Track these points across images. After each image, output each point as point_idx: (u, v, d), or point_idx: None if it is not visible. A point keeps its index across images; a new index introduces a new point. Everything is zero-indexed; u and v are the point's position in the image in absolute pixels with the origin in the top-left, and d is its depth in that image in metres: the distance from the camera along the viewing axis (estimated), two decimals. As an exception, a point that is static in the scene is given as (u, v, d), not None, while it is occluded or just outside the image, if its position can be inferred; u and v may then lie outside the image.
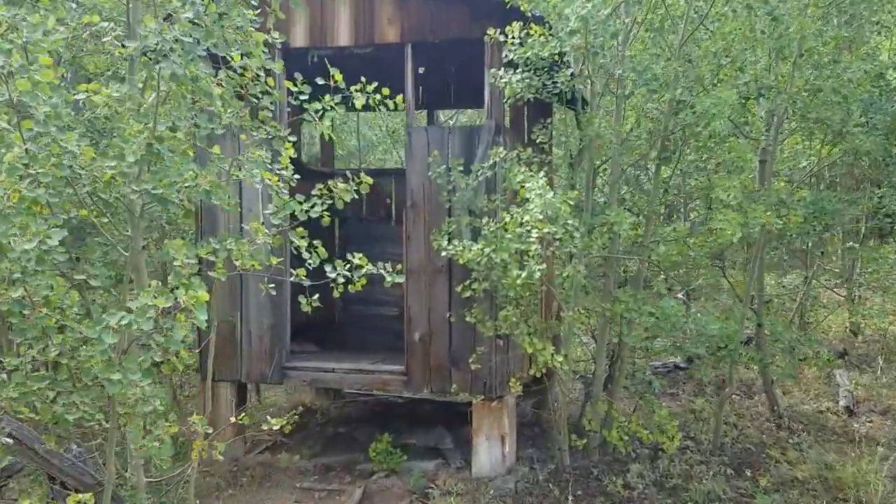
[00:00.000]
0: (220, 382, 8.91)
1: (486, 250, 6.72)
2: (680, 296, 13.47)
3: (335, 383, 8.74)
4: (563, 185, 7.69)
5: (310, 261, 5.54)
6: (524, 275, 6.33)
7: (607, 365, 8.64)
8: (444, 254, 7.18)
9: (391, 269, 5.54)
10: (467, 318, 7.62)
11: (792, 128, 10.16)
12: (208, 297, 3.80)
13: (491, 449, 8.22)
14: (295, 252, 9.90)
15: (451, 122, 16.91)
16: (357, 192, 5.75)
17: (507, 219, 6.51)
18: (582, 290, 7.05)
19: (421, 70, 10.57)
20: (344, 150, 16.07)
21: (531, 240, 6.26)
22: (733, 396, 10.79)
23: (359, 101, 5.39)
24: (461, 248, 6.87)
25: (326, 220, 5.63)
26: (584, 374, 10.79)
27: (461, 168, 7.71)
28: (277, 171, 5.65)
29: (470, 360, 7.72)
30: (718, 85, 8.18)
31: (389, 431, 9.43)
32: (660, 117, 7.85)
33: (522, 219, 6.25)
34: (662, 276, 9.80)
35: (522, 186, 6.40)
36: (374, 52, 8.63)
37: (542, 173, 6.30)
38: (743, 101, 8.39)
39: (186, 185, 3.95)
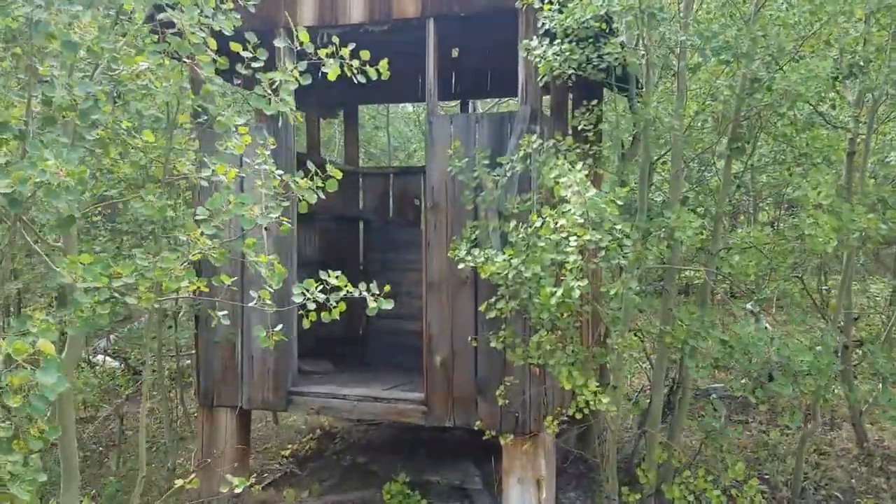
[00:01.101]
0: (219, 408, 7.85)
1: (514, 262, 5.45)
2: (749, 307, 11.89)
3: (346, 412, 7.57)
4: (612, 183, 6.35)
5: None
6: (560, 292, 5.03)
7: (666, 394, 7.28)
8: (462, 266, 5.94)
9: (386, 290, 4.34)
10: (493, 344, 6.36)
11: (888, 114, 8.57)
12: (53, 349, 2.61)
13: (524, 495, 6.93)
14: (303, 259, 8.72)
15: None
16: (377, 192, 4.50)
17: (539, 223, 5.23)
18: (635, 308, 5.71)
19: (454, 53, 9.36)
20: (376, 148, 14.98)
21: (569, 249, 4.97)
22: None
23: (331, 72, 4.21)
24: (482, 258, 5.62)
25: (285, 229, 4.44)
26: (637, 394, 9.38)
27: (487, 162, 6.45)
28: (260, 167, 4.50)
29: (497, 393, 6.46)
30: (801, 61, 6.72)
31: (411, 464, 8.23)
32: (730, 99, 6.44)
33: (557, 223, 4.96)
34: (727, 286, 8.34)
35: (557, 182, 5.12)
36: (392, 30, 7.43)
37: (580, 166, 4.99)
38: (832, 78, 6.90)
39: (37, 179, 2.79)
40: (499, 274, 5.52)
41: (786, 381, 5.43)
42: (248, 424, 8.17)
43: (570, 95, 8.41)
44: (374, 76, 4.28)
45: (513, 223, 5.80)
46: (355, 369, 9.10)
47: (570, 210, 4.81)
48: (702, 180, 8.10)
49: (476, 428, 6.83)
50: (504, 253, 5.62)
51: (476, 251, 5.80)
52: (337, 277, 4.16)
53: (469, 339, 6.85)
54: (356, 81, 4.35)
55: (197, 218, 4.03)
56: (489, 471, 7.92)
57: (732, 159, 6.72)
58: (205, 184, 4.53)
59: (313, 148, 10.11)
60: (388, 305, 4.18)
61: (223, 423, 7.82)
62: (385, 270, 9.54)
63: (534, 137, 5.94)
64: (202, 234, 4.01)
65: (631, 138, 6.56)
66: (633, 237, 5.01)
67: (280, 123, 7.55)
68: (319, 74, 4.30)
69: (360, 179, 10.82)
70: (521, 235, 5.56)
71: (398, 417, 7.39)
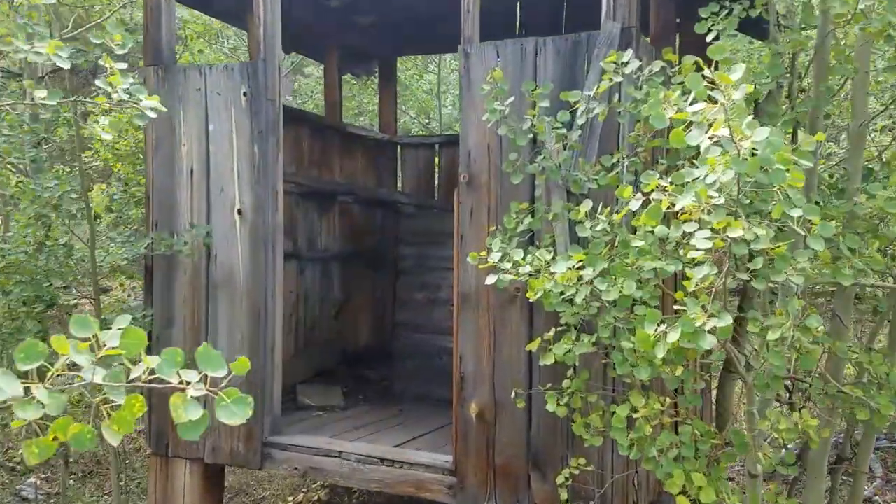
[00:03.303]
0: (177, 459, 5.72)
1: (587, 273, 3.01)
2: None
3: (342, 477, 5.28)
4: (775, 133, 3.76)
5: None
6: (674, 336, 2.56)
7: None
8: (493, 277, 3.50)
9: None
10: (549, 407, 3.90)
11: None
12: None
13: None
14: (290, 251, 6.51)
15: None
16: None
17: (636, 203, 2.77)
18: (812, 363, 3.13)
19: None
20: (426, 117, 12.62)
21: (697, 253, 2.51)
22: None
23: None
24: (528, 266, 3.18)
25: None
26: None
27: (548, 105, 3.97)
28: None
29: (558, 482, 4.03)
30: None
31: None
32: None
33: (674, 203, 2.50)
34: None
35: (670, 127, 2.63)
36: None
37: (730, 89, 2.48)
38: None
39: None
40: (559, 295, 3.07)
41: None
42: (221, 482, 5.99)
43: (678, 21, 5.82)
44: None
45: (586, 206, 3.33)
46: (373, 402, 6.81)
47: (703, 176, 2.33)
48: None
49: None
50: (571, 257, 3.17)
51: (518, 253, 3.35)
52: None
53: (524, 381, 4.46)
54: None
55: None
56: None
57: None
58: None
59: (332, 110, 7.84)
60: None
61: (181, 479, 5.68)
62: (420, 270, 7.19)
63: (627, 55, 3.45)
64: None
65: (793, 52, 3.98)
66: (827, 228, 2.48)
67: (261, 62, 5.33)
68: None
69: (398, 152, 8.50)
70: (599, 227, 3.11)
71: (414, 491, 5.05)
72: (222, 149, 5.46)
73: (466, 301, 4.75)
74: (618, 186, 3.46)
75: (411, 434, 5.70)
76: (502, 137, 4.48)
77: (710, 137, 2.29)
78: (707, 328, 2.54)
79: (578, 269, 3.09)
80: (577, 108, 3.72)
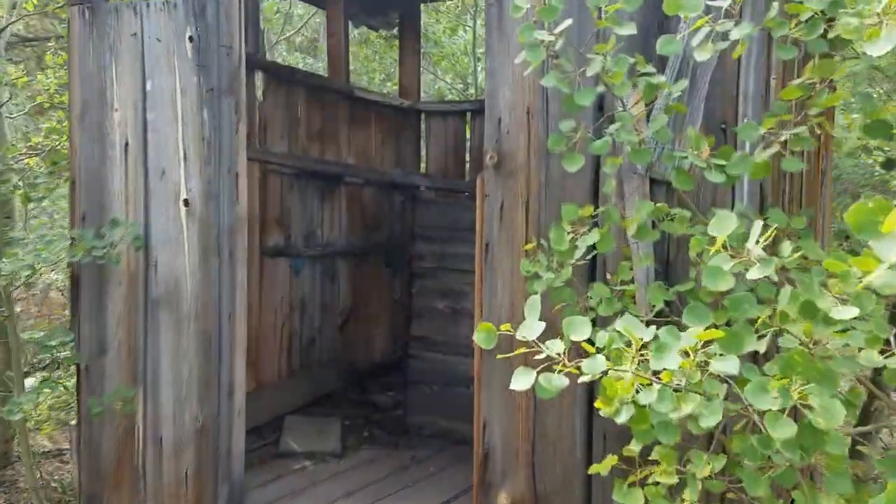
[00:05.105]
0: (112, 530, 4.33)
1: (722, 367, 1.42)
2: None
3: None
4: None
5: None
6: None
7: None
8: (539, 380, 1.91)
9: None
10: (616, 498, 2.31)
11: None
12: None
13: None
14: (282, 247, 5.13)
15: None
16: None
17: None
18: None
19: None
20: (462, 82, 10.92)
21: None
22: None
23: None
24: (604, 352, 1.61)
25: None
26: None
27: (626, 46, 2.35)
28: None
29: None
30: None
31: None
32: None
33: None
34: None
35: None
36: None
37: None
38: None
39: None
40: (630, 405, 1.49)
41: None
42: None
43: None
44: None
45: (719, 222, 1.71)
46: (380, 443, 5.32)
47: None
48: None
49: None
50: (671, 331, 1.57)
51: (579, 327, 1.73)
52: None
53: (577, 463, 2.92)
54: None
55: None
56: None
57: None
58: None
59: (336, 68, 6.27)
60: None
61: (118, 558, 4.30)
62: (441, 272, 5.60)
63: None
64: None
65: None
66: None
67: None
68: None
69: (421, 121, 6.92)
70: (759, 270, 1.51)
71: None
72: (163, 115, 3.98)
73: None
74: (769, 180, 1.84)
75: (425, 502, 4.21)
76: (549, 94, 2.90)
77: None
78: None
79: (702, 347, 1.50)
80: (687, 37, 2.10)
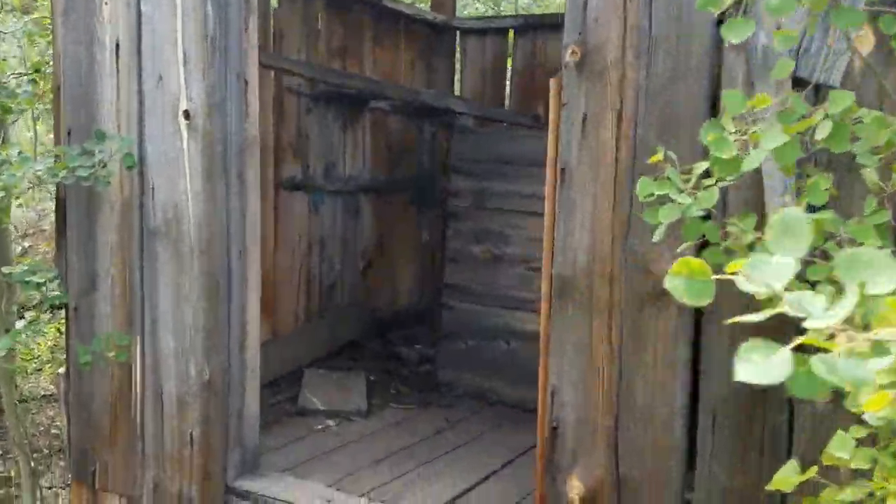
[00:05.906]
0: (108, 494, 3.79)
1: None
2: None
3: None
4: None
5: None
6: None
7: None
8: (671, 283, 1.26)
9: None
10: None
11: None
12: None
13: None
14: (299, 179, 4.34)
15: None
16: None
17: None
18: None
19: None
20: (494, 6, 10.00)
21: None
22: None
23: None
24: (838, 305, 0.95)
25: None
26: None
27: None
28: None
29: None
30: None
31: None
32: None
33: None
34: None
35: None
36: None
37: None
38: None
39: None
40: None
41: None
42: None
43: None
44: None
45: None
46: (409, 401, 4.73)
47: None
48: None
49: None
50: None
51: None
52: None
53: (664, 454, 2.30)
54: None
55: None
56: None
57: None
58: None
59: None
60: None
61: (113, 523, 3.77)
62: (479, 212, 4.91)
63: None
64: None
65: None
66: None
67: None
68: None
69: (457, 41, 6.14)
70: None
71: None
72: (160, 8, 3.27)
73: (565, 291, 2.55)
74: None
75: (466, 473, 3.63)
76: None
77: None
78: None
79: None
80: None
